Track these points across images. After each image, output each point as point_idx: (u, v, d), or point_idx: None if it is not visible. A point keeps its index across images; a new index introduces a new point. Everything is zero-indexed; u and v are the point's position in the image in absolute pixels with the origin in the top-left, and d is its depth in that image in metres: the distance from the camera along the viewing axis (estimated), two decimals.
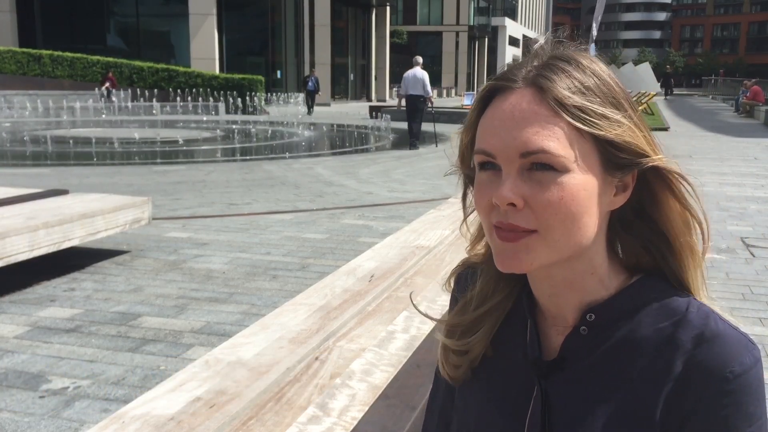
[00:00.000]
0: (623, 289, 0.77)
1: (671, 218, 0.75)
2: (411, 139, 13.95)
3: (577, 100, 0.70)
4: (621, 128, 0.71)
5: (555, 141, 0.69)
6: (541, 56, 0.74)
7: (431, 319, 0.90)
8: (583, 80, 0.71)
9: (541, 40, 0.77)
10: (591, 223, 0.72)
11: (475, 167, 0.75)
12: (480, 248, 0.86)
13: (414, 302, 0.99)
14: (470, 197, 0.80)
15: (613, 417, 0.73)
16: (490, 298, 0.84)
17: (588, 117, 0.70)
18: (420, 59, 14.23)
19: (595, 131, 0.70)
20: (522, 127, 0.69)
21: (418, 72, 13.71)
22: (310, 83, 26.09)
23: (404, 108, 14.14)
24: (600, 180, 0.71)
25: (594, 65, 0.74)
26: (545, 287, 0.78)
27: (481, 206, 0.73)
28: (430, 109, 14.31)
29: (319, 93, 26.65)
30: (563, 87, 0.70)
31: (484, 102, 0.75)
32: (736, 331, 0.73)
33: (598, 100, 0.71)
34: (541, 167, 0.69)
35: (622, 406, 0.73)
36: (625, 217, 0.77)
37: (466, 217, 0.84)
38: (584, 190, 0.70)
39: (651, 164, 0.72)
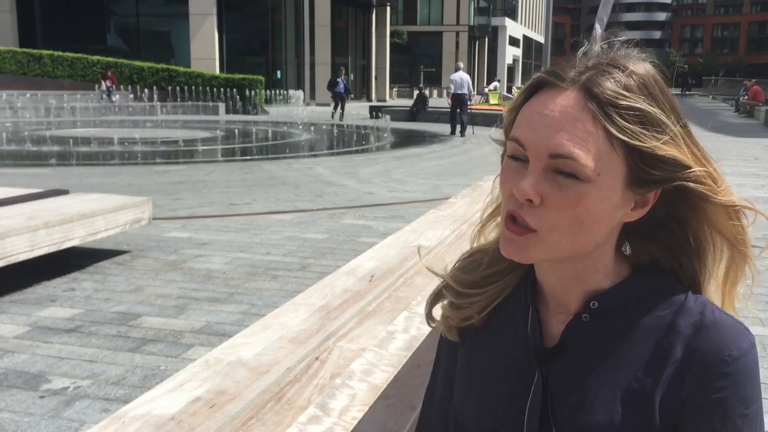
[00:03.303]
0: (626, 280, 0.79)
1: (716, 221, 0.78)
2: (461, 129, 17.10)
3: (621, 111, 0.70)
4: (661, 142, 0.71)
5: (585, 150, 0.70)
6: (594, 58, 0.74)
7: (441, 276, 0.92)
8: (633, 92, 0.71)
9: (598, 39, 0.77)
10: (600, 231, 0.74)
11: (506, 152, 0.77)
12: (489, 232, 0.89)
13: (425, 262, 1.02)
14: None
15: (614, 402, 0.75)
16: (497, 265, 0.87)
17: (628, 127, 0.70)
18: (461, 64, 18.54)
19: (632, 141, 0.70)
20: (558, 129, 0.70)
21: (464, 75, 17.20)
22: (340, 84, 23.25)
23: (449, 107, 17.52)
24: (619, 195, 0.73)
25: (648, 77, 0.73)
26: (551, 278, 0.81)
27: (503, 191, 0.76)
28: (470, 105, 17.75)
29: (352, 95, 25.58)
30: (609, 96, 0.70)
31: (531, 91, 0.76)
32: (732, 318, 0.77)
33: (642, 112, 0.71)
34: (565, 174, 0.70)
35: (623, 391, 0.75)
36: (648, 228, 0.79)
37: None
38: (601, 203, 0.71)
39: (685, 181, 0.73)
